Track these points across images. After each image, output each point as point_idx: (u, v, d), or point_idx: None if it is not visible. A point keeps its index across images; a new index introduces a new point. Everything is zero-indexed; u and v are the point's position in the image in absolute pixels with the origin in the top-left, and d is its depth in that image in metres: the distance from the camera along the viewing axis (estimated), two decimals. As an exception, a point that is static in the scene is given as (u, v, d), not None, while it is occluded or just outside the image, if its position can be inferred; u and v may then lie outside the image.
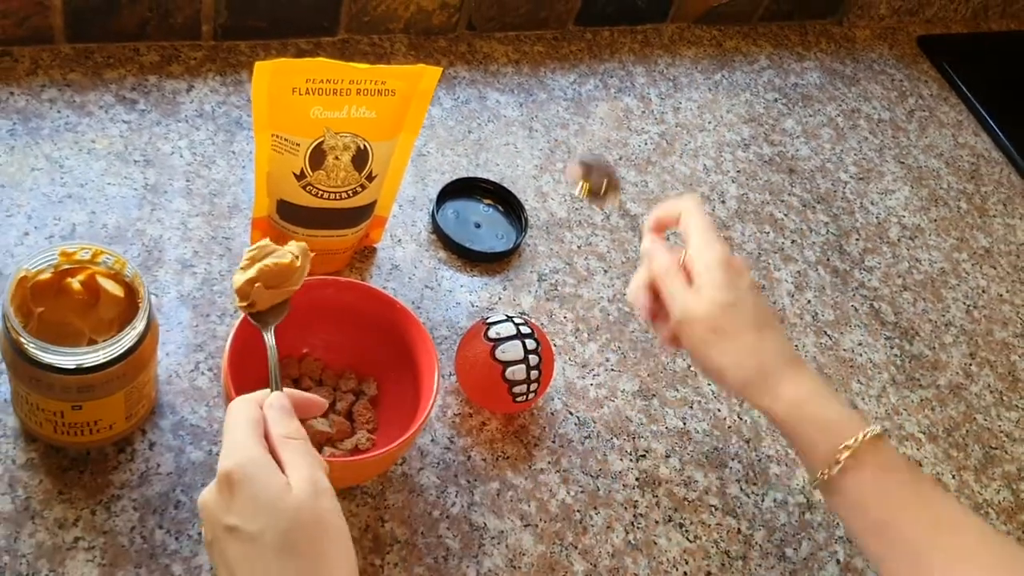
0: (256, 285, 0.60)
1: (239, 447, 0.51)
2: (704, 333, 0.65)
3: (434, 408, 0.71)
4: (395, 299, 0.72)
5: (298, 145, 0.72)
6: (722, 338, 0.65)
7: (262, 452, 0.51)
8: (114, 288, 0.65)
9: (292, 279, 0.62)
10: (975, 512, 0.66)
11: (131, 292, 0.65)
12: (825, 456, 0.63)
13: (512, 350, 0.74)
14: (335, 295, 0.72)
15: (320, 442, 0.72)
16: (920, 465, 0.88)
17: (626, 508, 0.77)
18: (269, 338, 0.61)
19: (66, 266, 0.64)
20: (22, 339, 0.59)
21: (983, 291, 1.05)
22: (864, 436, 0.62)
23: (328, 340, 0.75)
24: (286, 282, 0.62)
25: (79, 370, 0.60)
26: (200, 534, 0.66)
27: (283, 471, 0.51)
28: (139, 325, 0.61)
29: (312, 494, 0.50)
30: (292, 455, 0.52)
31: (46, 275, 0.63)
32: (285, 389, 0.57)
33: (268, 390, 0.56)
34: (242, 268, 0.61)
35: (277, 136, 0.72)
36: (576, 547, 0.74)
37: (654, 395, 0.85)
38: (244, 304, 0.61)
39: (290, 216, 0.77)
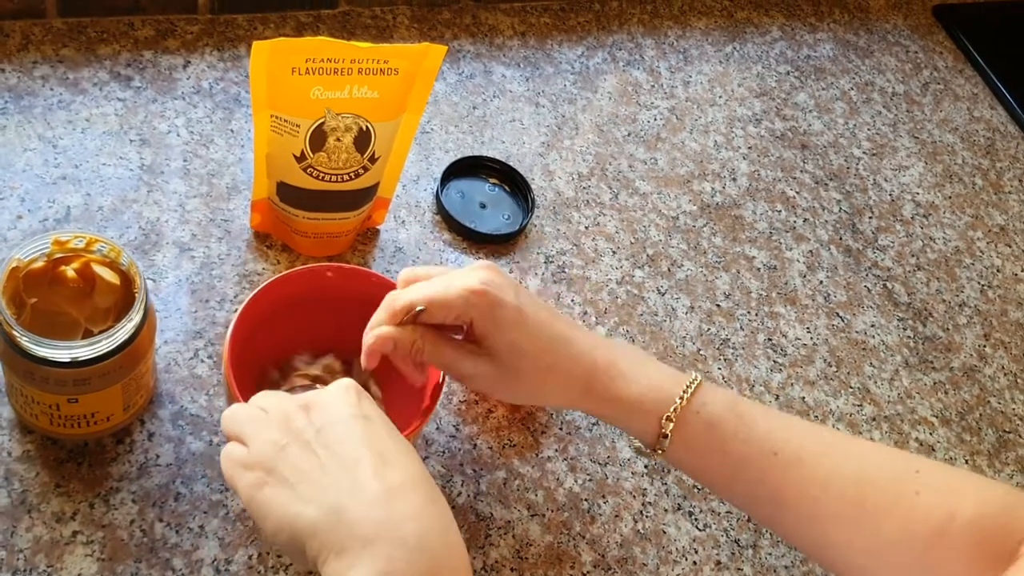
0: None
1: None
2: (501, 383, 0.61)
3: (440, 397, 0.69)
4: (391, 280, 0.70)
5: (298, 126, 0.70)
6: (516, 379, 0.61)
7: None
8: (110, 276, 0.63)
9: None
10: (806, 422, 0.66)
11: (127, 279, 0.63)
12: (651, 430, 0.61)
13: None
14: (335, 282, 0.70)
15: None
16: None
17: (635, 496, 0.76)
18: None
19: (59, 255, 0.62)
20: (14, 332, 0.57)
21: (998, 270, 1.03)
22: (683, 397, 0.60)
23: (330, 328, 0.73)
24: None
25: (74, 363, 0.59)
26: (201, 527, 0.65)
27: None
28: (135, 317, 0.59)
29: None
30: None
31: (39, 264, 0.61)
32: None
33: None
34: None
35: (276, 117, 0.70)
36: (584, 537, 0.73)
37: (663, 380, 0.83)
38: None
39: (290, 199, 0.75)
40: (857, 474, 0.59)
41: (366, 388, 0.73)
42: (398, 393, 0.72)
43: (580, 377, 0.61)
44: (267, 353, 0.71)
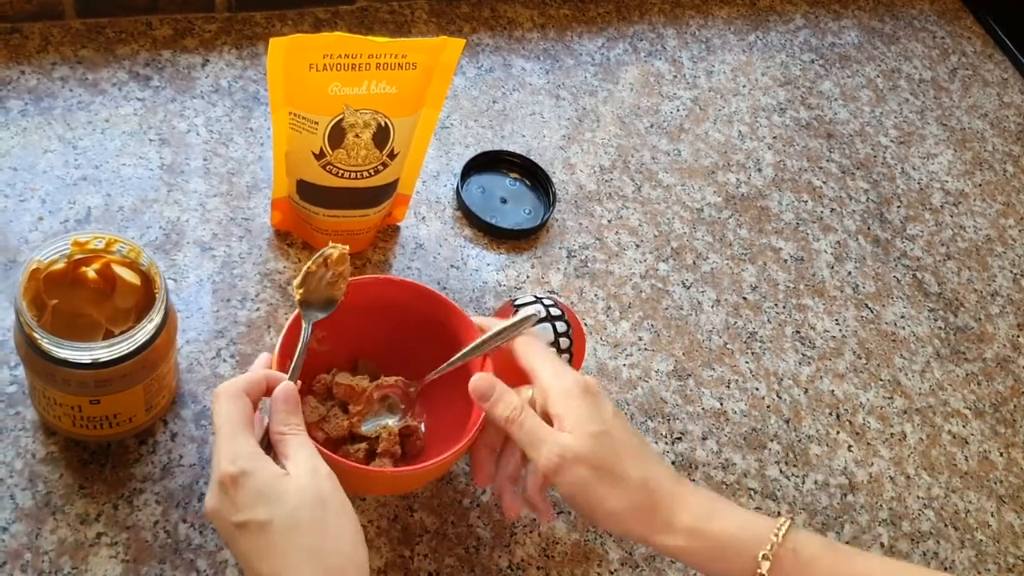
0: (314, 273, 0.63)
1: (230, 447, 0.53)
2: (587, 473, 0.58)
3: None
4: (446, 298, 0.68)
5: (316, 123, 0.69)
6: (605, 475, 0.58)
7: (254, 447, 0.54)
8: (130, 276, 0.62)
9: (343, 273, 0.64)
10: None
11: (148, 280, 0.63)
12: (745, 569, 0.58)
13: (541, 334, 0.71)
14: (381, 293, 0.68)
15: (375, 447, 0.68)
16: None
17: (662, 493, 0.74)
18: (306, 331, 0.62)
19: (79, 256, 0.62)
20: (35, 334, 0.57)
21: (1031, 258, 1.01)
22: (777, 535, 0.58)
23: (377, 342, 0.71)
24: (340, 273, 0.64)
25: (95, 365, 0.58)
26: (225, 528, 0.65)
27: (280, 462, 0.54)
28: (156, 318, 0.59)
29: (310, 473, 0.54)
30: (288, 448, 0.55)
31: (59, 266, 0.61)
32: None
33: (251, 376, 0.57)
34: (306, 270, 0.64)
35: (295, 114, 0.69)
36: (610, 535, 0.72)
37: (689, 375, 0.82)
38: (301, 291, 0.63)
39: (310, 196, 0.75)
40: None
41: (409, 421, 0.69)
42: (442, 407, 0.70)
43: (667, 510, 0.59)
44: (310, 369, 0.70)
